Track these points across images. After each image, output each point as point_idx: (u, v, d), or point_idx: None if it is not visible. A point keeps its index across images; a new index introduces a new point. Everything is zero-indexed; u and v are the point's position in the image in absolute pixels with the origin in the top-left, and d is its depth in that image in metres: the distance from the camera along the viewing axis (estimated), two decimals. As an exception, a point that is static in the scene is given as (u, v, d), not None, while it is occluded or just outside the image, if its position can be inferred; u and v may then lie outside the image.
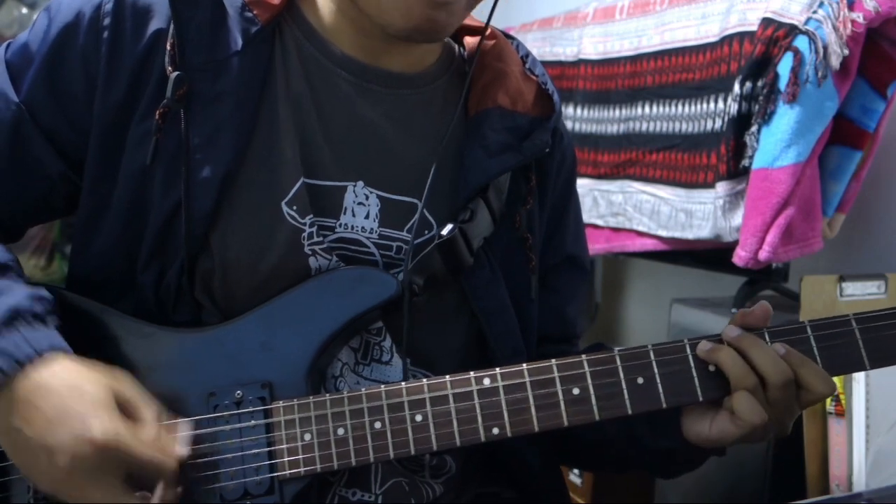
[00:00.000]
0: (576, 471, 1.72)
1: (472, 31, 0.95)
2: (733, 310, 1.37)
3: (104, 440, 0.67)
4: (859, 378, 1.15)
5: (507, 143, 0.87)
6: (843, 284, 1.22)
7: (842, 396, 1.17)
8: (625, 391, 0.76)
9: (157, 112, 0.78)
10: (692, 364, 0.77)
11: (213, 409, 0.76)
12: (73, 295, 0.82)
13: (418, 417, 0.75)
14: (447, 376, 0.76)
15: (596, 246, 1.68)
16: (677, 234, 1.48)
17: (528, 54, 0.95)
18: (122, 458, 0.68)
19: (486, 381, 0.76)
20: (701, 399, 0.77)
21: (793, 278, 1.40)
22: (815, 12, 1.20)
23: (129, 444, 0.68)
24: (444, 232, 0.83)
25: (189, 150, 0.78)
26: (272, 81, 0.82)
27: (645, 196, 1.56)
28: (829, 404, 1.19)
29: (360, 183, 0.83)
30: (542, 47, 1.92)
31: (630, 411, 0.76)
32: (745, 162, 1.29)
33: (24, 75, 0.81)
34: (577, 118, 1.77)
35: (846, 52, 1.18)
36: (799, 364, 0.76)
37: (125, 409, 0.71)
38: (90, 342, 0.76)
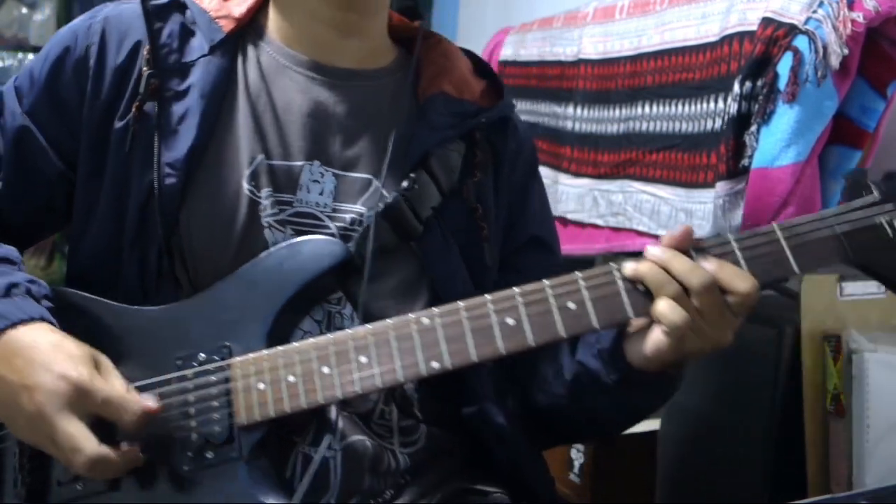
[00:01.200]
0: (575, 470, 1.72)
1: (425, 37, 1.03)
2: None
3: (79, 380, 0.76)
4: (859, 378, 1.15)
5: (452, 124, 0.96)
6: (843, 284, 1.22)
7: (842, 396, 1.17)
8: (556, 315, 0.80)
9: (134, 106, 0.90)
10: (620, 285, 0.80)
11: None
12: (55, 287, 0.89)
13: (363, 359, 0.80)
14: (389, 320, 0.81)
15: (596, 246, 1.68)
16: (677, 234, 1.48)
17: (479, 60, 1.04)
18: (92, 401, 0.77)
19: (425, 321, 0.81)
20: (631, 315, 0.80)
21: (793, 278, 1.39)
22: (814, 12, 1.20)
23: (101, 389, 0.77)
24: (388, 199, 0.91)
25: (160, 136, 0.89)
26: (234, 81, 0.94)
27: (645, 196, 1.56)
28: (829, 404, 1.19)
29: (317, 163, 0.92)
30: (542, 47, 1.92)
31: (564, 335, 0.80)
32: (745, 161, 1.29)
33: (29, 92, 0.94)
34: (577, 118, 1.78)
35: (846, 51, 1.18)
36: (718, 268, 0.78)
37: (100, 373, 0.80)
38: (68, 326, 0.83)
